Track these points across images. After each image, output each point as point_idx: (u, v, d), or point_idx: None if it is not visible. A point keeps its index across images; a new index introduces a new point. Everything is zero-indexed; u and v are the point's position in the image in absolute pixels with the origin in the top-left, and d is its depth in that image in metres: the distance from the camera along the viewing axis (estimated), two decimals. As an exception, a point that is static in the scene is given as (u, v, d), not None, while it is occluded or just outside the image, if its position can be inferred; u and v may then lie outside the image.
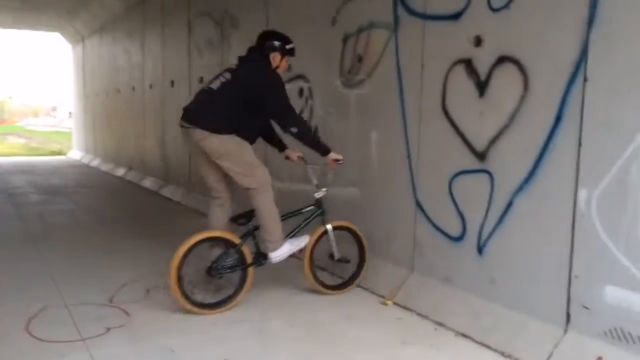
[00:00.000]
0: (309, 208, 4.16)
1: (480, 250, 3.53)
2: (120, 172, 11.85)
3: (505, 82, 3.34)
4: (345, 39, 4.83)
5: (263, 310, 3.83)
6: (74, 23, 14.80)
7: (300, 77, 5.50)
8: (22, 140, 33.00)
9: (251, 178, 3.77)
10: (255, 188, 3.78)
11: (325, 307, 3.93)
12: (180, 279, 3.61)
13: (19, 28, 17.32)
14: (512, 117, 3.29)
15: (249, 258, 3.83)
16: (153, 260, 5.08)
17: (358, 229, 4.26)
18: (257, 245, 3.92)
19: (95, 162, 14.19)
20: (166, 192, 9.07)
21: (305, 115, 5.37)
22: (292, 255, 4.00)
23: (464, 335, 3.38)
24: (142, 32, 10.39)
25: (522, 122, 3.25)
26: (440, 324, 3.57)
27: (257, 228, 3.91)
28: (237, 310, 3.79)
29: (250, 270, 3.85)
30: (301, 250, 4.03)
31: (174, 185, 8.98)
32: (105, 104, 13.45)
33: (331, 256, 4.21)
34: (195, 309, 3.67)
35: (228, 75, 3.77)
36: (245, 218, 3.92)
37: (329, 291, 4.17)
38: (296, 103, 5.47)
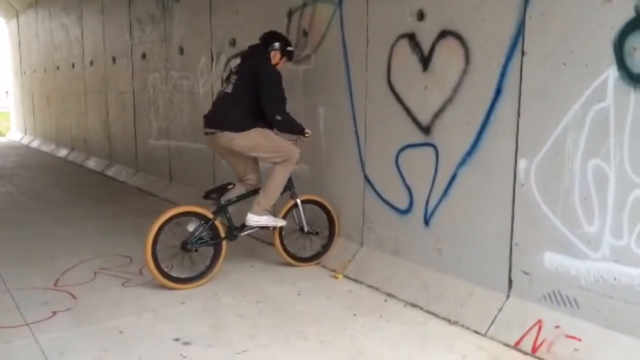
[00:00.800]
0: None
1: (426, 222, 3.63)
2: (63, 152, 11.44)
3: (448, 56, 3.40)
4: (290, 14, 4.78)
5: (213, 287, 3.82)
6: (6, -4, 14.02)
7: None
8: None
9: (280, 154, 4.05)
10: (283, 160, 4.06)
11: (276, 282, 3.96)
12: (155, 254, 3.68)
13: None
14: (455, 91, 3.37)
15: (222, 232, 3.96)
16: (100, 242, 4.98)
17: (328, 202, 4.36)
18: (229, 220, 4.04)
19: (35, 143, 13.64)
20: (111, 172, 8.84)
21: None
22: (260, 230, 4.20)
23: (413, 305, 3.48)
24: (80, 7, 9.96)
25: (464, 96, 3.32)
26: (390, 295, 3.66)
27: (229, 203, 4.07)
28: (189, 290, 3.77)
29: (224, 244, 3.97)
30: (273, 229, 4.19)
31: (120, 165, 8.76)
32: (43, 82, 12.88)
33: (301, 229, 4.31)
34: (172, 284, 3.75)
35: (235, 77, 4.09)
36: (217, 193, 4.04)
37: (300, 263, 4.28)
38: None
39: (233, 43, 5.54)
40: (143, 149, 7.92)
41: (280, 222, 4.18)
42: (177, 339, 3.02)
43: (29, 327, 3.14)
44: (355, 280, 3.95)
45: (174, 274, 3.82)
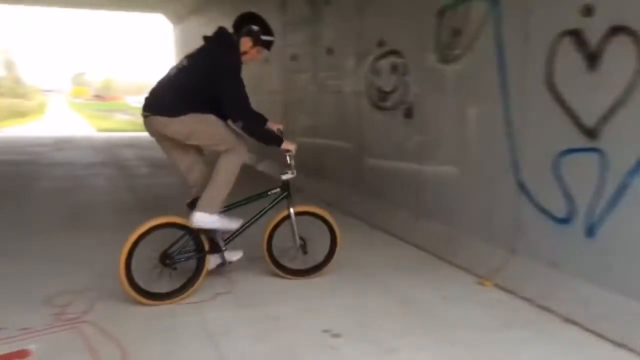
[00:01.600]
0: (275, 191, 4.00)
1: (590, 233, 3.39)
2: (218, 147, 12.36)
3: (619, 54, 3.15)
4: (441, 12, 4.72)
5: (361, 286, 3.91)
6: (176, 3, 15.43)
7: (393, 52, 5.46)
8: (127, 117, 35.16)
9: (224, 143, 3.63)
10: (228, 148, 3.64)
11: (420, 285, 3.95)
12: (129, 269, 3.34)
13: (125, 10, 18.33)
14: (627, 92, 3.11)
15: (207, 244, 3.63)
16: (250, 232, 5.31)
17: (328, 214, 4.04)
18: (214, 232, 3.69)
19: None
20: (261, 166, 9.37)
21: (399, 93, 5.34)
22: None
23: (572, 322, 3.27)
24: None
25: (638, 97, 3.06)
26: (546, 309, 3.46)
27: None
28: (335, 285, 3.90)
29: (208, 257, 3.64)
30: (224, 234, 3.74)
31: (270, 160, 9.26)
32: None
33: (293, 241, 3.94)
34: (147, 301, 3.40)
35: (186, 61, 3.65)
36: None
37: (290, 276, 3.97)
38: (389, 80, 5.47)
39: (381, 43, 5.61)
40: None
41: (234, 224, 3.70)
42: (326, 331, 3.14)
43: (195, 305, 3.47)
44: (506, 290, 3.81)
45: (152, 290, 3.44)
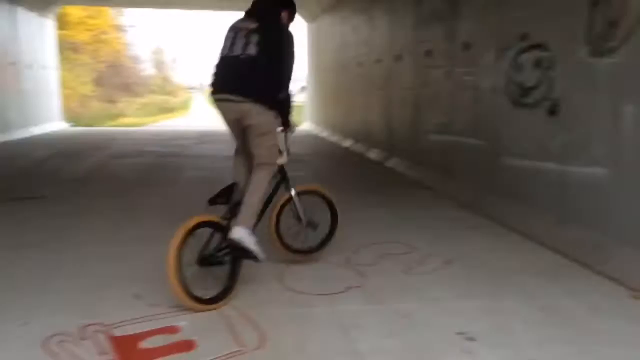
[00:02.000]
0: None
1: None
2: (347, 143, 12.54)
3: None
4: (594, 2, 4.36)
5: (496, 289, 3.76)
6: (311, 2, 15.87)
7: (537, 46, 5.14)
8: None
9: (272, 153, 3.68)
10: (268, 163, 3.63)
11: (563, 292, 3.70)
12: (180, 273, 3.18)
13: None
14: None
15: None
16: (382, 227, 5.33)
17: (327, 192, 4.25)
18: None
19: (324, 134, 15.24)
20: (391, 163, 9.35)
21: (542, 88, 5.04)
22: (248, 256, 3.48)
23: None
24: (370, 9, 10.72)
25: None
26: None
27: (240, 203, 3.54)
28: (470, 286, 3.79)
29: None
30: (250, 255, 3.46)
31: (398, 158, 9.21)
32: (335, 79, 14.28)
33: (299, 220, 4.04)
34: (198, 306, 3.24)
35: (257, 36, 3.43)
36: (223, 197, 3.62)
37: (297, 255, 4.13)
38: (531, 75, 5.18)
39: (524, 37, 5.32)
40: (422, 142, 8.18)
41: (261, 256, 3.46)
42: (460, 333, 3.06)
43: (328, 297, 3.55)
44: (663, 305, 3.46)
45: (199, 294, 3.27)
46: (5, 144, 12.53)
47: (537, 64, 5.13)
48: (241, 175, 3.76)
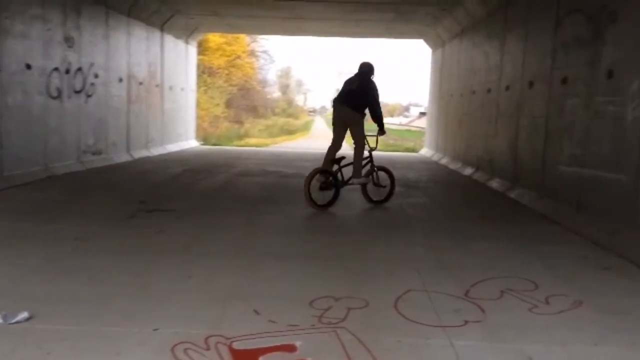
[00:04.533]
0: (367, 156, 7.70)
1: None
2: (468, 171, 12.18)
3: None
4: None
5: (630, 334, 3.41)
6: (437, 29, 15.77)
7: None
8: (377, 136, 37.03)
9: (360, 140, 7.64)
10: (358, 143, 7.66)
11: None
12: (309, 190, 7.08)
13: (389, 37, 19.39)
14: None
15: (340, 182, 7.39)
16: (504, 261, 5.09)
17: (391, 169, 8.12)
18: (342, 176, 7.47)
19: (444, 160, 14.93)
20: (514, 194, 8.93)
21: None
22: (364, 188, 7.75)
23: None
24: (503, 34, 10.40)
25: None
26: None
27: (340, 167, 7.47)
28: (602, 332, 3.48)
29: (339, 189, 7.38)
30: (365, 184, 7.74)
31: (523, 189, 8.76)
32: (458, 105, 14.00)
33: (375, 184, 7.73)
34: (315, 207, 7.15)
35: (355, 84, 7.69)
36: (336, 162, 7.46)
37: (374, 203, 7.82)
38: None
39: (678, 64, 4.87)
40: (550, 174, 7.73)
41: (366, 181, 7.69)
42: (591, 383, 2.82)
43: (444, 329, 3.44)
44: None
45: (317, 202, 7.19)
46: (146, 158, 13.71)
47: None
48: (329, 159, 7.61)
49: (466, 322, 3.57)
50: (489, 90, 11.17)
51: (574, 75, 7.10)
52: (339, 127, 7.58)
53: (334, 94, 8.07)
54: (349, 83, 7.63)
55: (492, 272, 4.68)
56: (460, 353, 3.11)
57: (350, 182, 7.47)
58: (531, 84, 8.69)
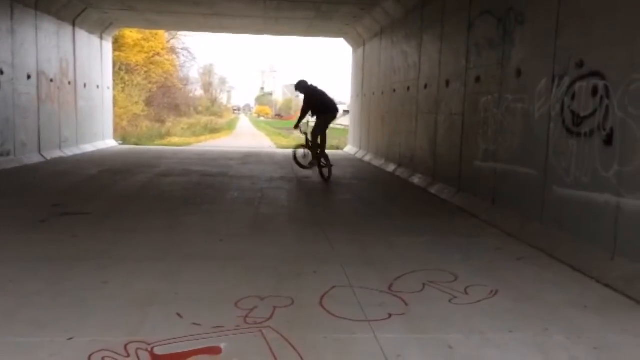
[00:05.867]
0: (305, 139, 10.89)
1: None
2: (391, 167, 12.47)
3: None
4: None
5: (543, 322, 3.61)
6: (357, 28, 16.01)
7: (594, 74, 5.01)
8: (303, 136, 37.18)
9: None
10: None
11: (616, 329, 3.52)
12: (295, 156, 10.98)
13: (311, 35, 19.47)
14: None
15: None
16: (425, 254, 5.24)
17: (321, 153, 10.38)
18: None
19: (368, 157, 15.21)
20: (434, 189, 9.23)
21: (597, 117, 4.89)
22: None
23: None
24: (420, 34, 10.72)
25: None
26: None
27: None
28: (516, 319, 3.66)
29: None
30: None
31: (442, 184, 9.08)
32: (380, 103, 14.29)
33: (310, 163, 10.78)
34: (302, 167, 10.73)
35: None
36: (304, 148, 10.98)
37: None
38: (587, 103, 5.05)
39: (580, 64, 5.19)
40: (467, 169, 8.05)
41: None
42: (507, 368, 2.95)
43: (369, 324, 3.49)
44: None
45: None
46: (60, 159, 13.02)
47: (594, 92, 4.98)
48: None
49: (390, 315, 3.65)
50: (408, 89, 11.48)
51: (486, 74, 7.43)
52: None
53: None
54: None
55: (414, 265, 4.81)
56: (385, 346, 3.16)
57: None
58: (447, 82, 9.01)
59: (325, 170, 10.32)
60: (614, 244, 4.59)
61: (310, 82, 10.69)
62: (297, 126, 10.75)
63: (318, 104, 10.30)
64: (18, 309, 3.54)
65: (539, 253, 5.35)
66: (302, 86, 10.59)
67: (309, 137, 10.54)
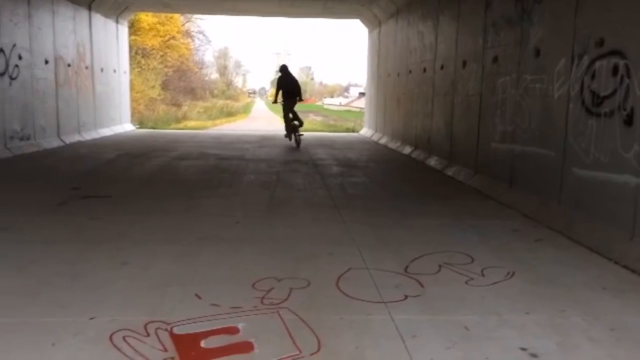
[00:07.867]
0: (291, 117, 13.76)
1: None
2: (407, 150, 12.41)
3: None
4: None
5: (559, 303, 3.60)
6: (373, 9, 15.84)
7: (615, 53, 4.92)
8: (319, 118, 37.09)
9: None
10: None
11: (634, 311, 3.50)
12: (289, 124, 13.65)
13: (326, 17, 19.32)
14: None
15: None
16: (441, 236, 5.23)
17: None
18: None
19: (383, 140, 15.14)
20: (451, 171, 9.18)
21: (618, 97, 4.80)
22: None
23: None
24: (437, 14, 10.57)
25: None
26: None
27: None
28: (533, 301, 3.65)
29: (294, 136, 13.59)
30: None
31: (459, 166, 9.02)
32: (395, 85, 14.18)
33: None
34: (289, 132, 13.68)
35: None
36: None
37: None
38: (607, 83, 4.96)
39: (600, 43, 5.09)
40: (484, 151, 7.98)
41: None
42: (523, 349, 2.94)
43: (385, 305, 3.51)
44: None
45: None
46: (79, 143, 13.17)
47: (614, 71, 4.89)
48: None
49: (406, 296, 3.66)
50: (424, 70, 11.36)
51: (504, 55, 7.32)
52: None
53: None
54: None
55: (431, 247, 4.81)
56: (400, 327, 3.18)
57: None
58: (464, 63, 8.90)
59: (298, 138, 13.60)
60: (633, 225, 4.53)
61: (290, 69, 14.17)
62: (275, 101, 14.45)
63: (284, 88, 13.75)
64: (40, 290, 3.62)
65: (557, 235, 5.31)
66: (281, 69, 14.00)
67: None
